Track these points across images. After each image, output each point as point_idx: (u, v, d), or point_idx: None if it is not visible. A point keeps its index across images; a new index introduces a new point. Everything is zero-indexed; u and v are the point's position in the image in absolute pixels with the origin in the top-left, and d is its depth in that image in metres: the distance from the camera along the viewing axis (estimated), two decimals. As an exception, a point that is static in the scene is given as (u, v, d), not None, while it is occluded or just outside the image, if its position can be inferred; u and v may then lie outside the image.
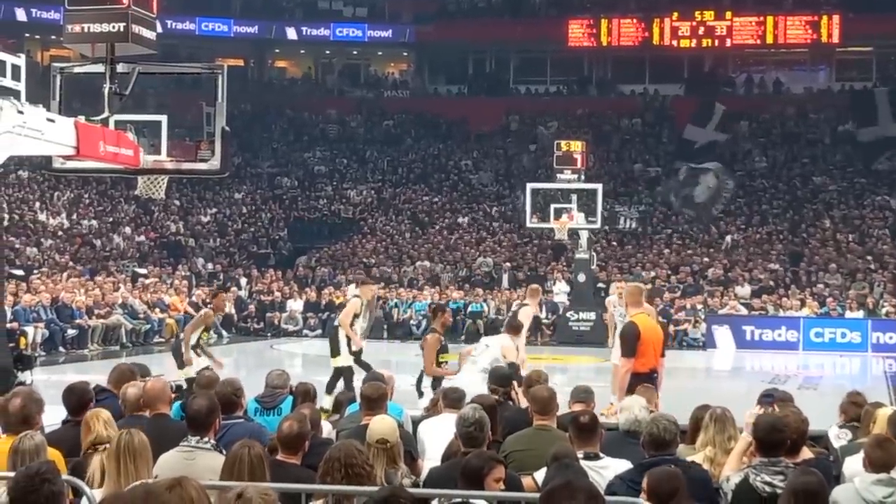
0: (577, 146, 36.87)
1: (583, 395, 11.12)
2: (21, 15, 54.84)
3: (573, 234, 36.45)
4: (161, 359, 29.64)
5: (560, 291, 39.84)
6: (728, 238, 46.63)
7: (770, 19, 56.04)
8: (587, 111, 57.85)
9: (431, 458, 9.89)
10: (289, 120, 60.24)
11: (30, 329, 29.50)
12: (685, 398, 12.10)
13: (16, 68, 11.96)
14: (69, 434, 9.37)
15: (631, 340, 13.92)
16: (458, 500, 7.34)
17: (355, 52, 64.75)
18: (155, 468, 7.61)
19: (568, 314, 37.11)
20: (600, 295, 35.46)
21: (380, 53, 64.95)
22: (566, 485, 4.69)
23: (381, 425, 8.77)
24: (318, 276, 44.47)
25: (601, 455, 8.86)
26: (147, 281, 39.46)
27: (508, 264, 44.56)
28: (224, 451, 8.01)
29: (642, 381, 12.82)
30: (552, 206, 35.56)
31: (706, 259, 44.30)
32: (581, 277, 36.95)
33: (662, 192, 50.58)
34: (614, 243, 46.31)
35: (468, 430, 8.68)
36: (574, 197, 35.44)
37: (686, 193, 49.13)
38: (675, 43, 56.78)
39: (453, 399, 10.72)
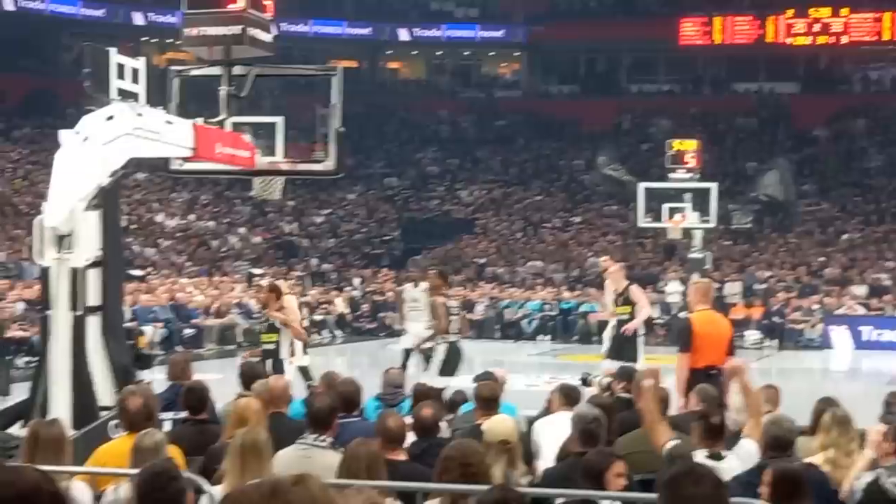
0: (690, 145, 36.59)
1: (711, 397, 10.97)
2: (138, 19, 55.70)
3: (687, 233, 36.15)
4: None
5: (673, 291, 39.46)
6: (845, 236, 45.98)
7: (887, 15, 54.98)
8: (700, 110, 57.27)
9: (545, 458, 9.85)
10: (401, 121, 60.48)
11: (148, 329, 29.92)
12: (802, 399, 11.92)
13: (135, 72, 12.18)
14: (189, 432, 9.50)
15: (684, 336, 13.81)
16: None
17: (467, 53, 64.79)
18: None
19: (681, 314, 36.77)
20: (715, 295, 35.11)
21: (491, 54, 64.92)
22: (690, 471, 4.53)
23: (501, 426, 8.73)
24: (430, 275, 44.52)
25: (723, 455, 8.74)
26: (262, 281, 39.83)
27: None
28: (340, 450, 8.05)
29: (699, 377, 12.67)
30: (665, 206, 35.34)
31: (822, 258, 43.71)
32: (695, 277, 36.60)
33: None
34: (729, 242, 45.85)
35: (589, 427, 8.61)
36: (687, 196, 35.17)
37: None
38: (789, 41, 56.02)
39: (568, 397, 10.67)
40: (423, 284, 22.91)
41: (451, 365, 19.15)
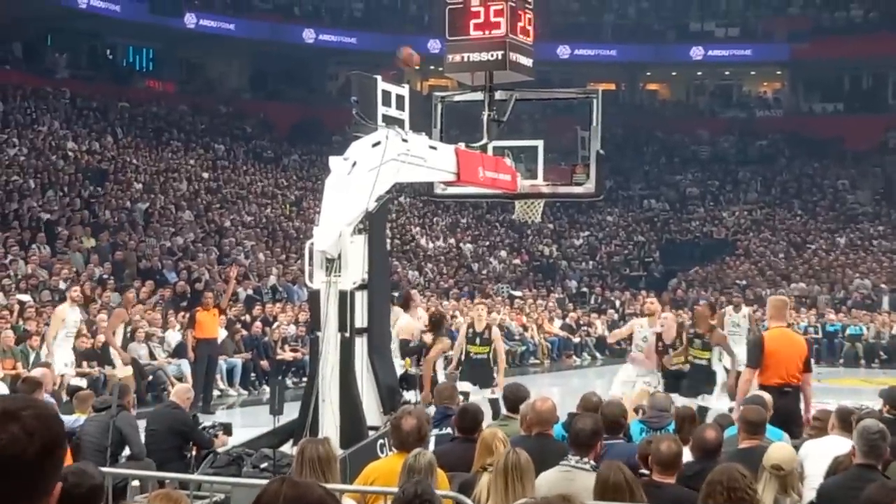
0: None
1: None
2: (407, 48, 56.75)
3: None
4: (533, 379, 30.12)
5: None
6: None
7: None
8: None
9: (811, 480, 9.63)
10: (660, 142, 60.14)
11: (411, 350, 30.38)
12: None
13: (400, 98, 12.45)
14: (458, 450, 9.62)
15: (755, 352, 13.53)
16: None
17: (727, 73, 64.00)
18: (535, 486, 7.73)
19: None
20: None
21: (752, 73, 63.98)
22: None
23: (780, 452, 8.57)
24: (691, 298, 44.11)
25: None
26: (522, 303, 40.08)
27: (887, 286, 43.15)
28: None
29: (772, 394, 12.31)
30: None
31: None
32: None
33: None
34: None
35: (872, 437, 8.37)
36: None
37: None
38: None
39: (845, 422, 10.41)
40: (745, 310, 23.21)
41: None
